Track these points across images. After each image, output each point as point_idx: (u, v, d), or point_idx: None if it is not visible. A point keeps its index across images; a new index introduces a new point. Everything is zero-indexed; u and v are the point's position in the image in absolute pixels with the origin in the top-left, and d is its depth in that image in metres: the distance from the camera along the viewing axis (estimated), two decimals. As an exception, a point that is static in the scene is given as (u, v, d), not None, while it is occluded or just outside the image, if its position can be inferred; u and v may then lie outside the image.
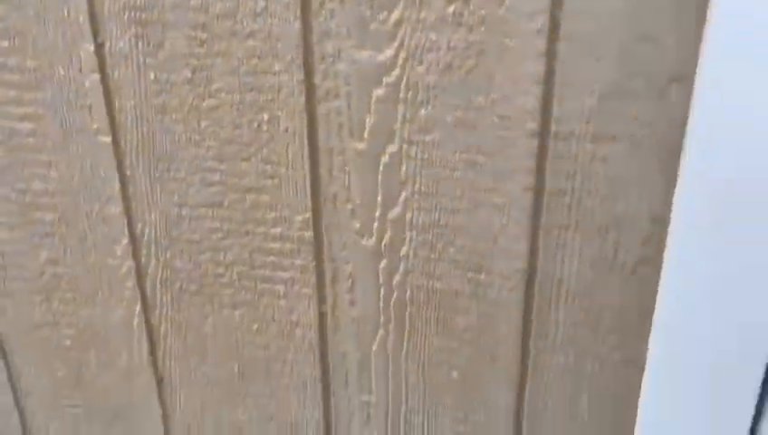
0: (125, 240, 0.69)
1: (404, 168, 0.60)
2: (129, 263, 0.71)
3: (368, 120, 0.59)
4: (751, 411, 0.58)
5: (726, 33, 0.46)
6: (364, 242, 0.65)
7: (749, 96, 0.48)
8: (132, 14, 0.58)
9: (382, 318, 0.68)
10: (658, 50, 0.51)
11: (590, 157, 0.56)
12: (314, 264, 0.67)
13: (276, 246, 0.66)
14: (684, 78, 0.52)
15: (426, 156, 0.59)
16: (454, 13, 0.53)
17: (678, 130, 0.54)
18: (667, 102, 0.53)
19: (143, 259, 0.70)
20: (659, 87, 0.52)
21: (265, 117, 0.61)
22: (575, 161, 0.56)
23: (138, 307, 0.73)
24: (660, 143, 0.54)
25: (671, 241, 0.54)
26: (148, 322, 0.74)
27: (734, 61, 0.47)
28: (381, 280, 0.66)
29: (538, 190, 0.58)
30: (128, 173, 0.66)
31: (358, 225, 0.64)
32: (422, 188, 0.61)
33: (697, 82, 0.50)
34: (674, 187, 0.55)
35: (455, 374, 0.68)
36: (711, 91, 0.48)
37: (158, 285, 0.71)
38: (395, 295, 0.66)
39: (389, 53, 0.56)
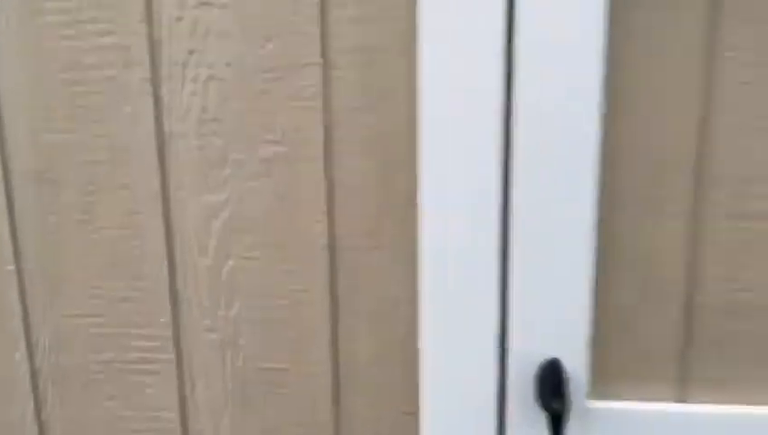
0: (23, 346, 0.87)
1: (240, 276, 0.83)
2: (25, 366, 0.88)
3: (210, 243, 0.82)
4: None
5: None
6: (213, 336, 0.85)
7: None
8: None
9: (229, 397, 0.87)
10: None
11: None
12: (175, 356, 0.86)
13: (143, 343, 0.86)
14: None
15: (254, 267, 0.83)
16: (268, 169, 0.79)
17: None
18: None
19: (37, 363, 0.87)
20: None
21: (137, 242, 0.83)
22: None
23: (31, 405, 0.89)
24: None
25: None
26: (38, 418, 0.89)
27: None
28: (226, 365, 0.86)
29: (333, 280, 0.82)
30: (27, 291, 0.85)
31: (208, 322, 0.85)
32: (253, 291, 0.83)
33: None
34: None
35: (288, 439, 0.87)
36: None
37: (49, 384, 0.88)
38: (238, 378, 0.86)
39: (223, 196, 0.81)
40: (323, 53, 0.75)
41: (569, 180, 0.73)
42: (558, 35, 0.69)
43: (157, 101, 0.78)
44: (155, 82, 0.78)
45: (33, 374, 0.89)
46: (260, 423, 0.87)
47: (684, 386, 0.79)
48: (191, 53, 0.77)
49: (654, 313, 0.77)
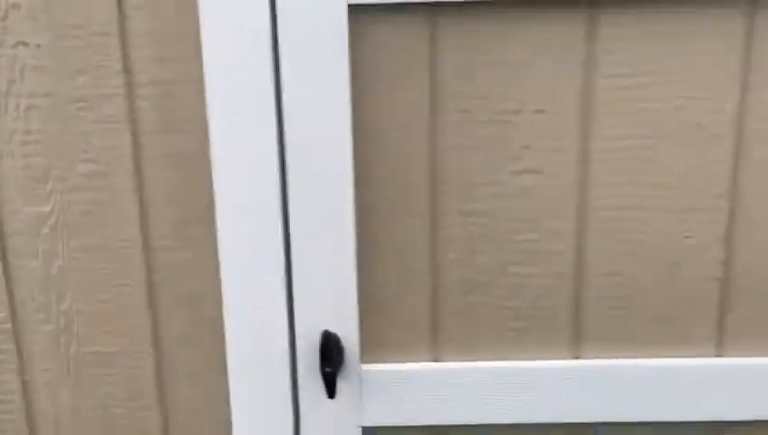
0: None
1: (69, 274, 0.97)
2: None
3: (40, 247, 0.96)
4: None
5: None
6: (48, 327, 0.99)
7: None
8: None
9: (65, 378, 1.01)
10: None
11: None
12: (15, 346, 0.99)
13: (-15, 336, 0.98)
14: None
15: (81, 266, 0.97)
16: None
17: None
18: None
19: None
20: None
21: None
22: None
23: None
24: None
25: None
26: None
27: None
28: (61, 351, 1.00)
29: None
30: None
31: (42, 315, 0.98)
32: (81, 287, 0.97)
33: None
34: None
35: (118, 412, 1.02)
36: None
37: None
38: (72, 361, 1.00)
39: (48, 207, 0.94)
40: (128, 85, 0.90)
41: (333, 194, 0.91)
42: (316, 93, 0.87)
43: (-17, 126, 0.91)
44: (-20, 110, 0.90)
45: None
46: (93, 400, 1.02)
47: (436, 348, 0.99)
48: (11, 82, 0.89)
49: (409, 292, 0.97)
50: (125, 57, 0.89)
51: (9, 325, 0.99)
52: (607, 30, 0.85)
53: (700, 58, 0.86)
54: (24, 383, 1.01)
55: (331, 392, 0.93)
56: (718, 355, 0.98)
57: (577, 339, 0.98)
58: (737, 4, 0.84)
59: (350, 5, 0.85)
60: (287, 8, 0.85)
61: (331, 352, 0.93)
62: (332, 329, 0.97)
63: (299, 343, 0.97)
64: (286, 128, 0.89)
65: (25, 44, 0.88)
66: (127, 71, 0.90)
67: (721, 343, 0.97)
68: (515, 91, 0.88)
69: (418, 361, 1.00)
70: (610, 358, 0.99)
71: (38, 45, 0.89)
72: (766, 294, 0.95)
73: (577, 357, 0.99)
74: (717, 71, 0.86)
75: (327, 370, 0.93)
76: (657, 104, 0.88)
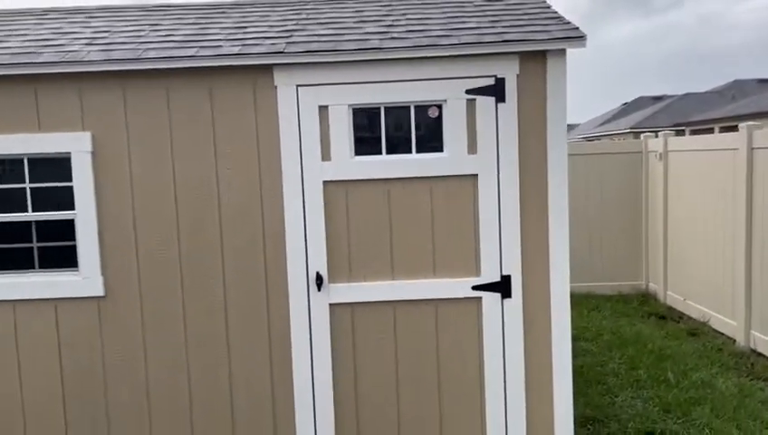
0: None
1: None
2: None
3: None
4: (305, 294, 3.25)
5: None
6: None
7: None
8: None
9: (235, 288, 3.22)
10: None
11: (271, 250, 3.23)
12: None
13: None
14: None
15: None
16: (245, 228, 3.18)
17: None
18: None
19: None
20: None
21: None
22: (269, 251, 3.23)
23: None
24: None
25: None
26: None
27: (288, 233, 3.18)
28: None
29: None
30: None
31: None
32: None
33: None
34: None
35: (251, 299, 3.24)
36: (286, 238, 3.18)
37: None
38: (237, 283, 3.21)
39: None
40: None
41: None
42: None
43: None
44: None
45: None
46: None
47: (351, 276, 3.26)
48: None
49: (336, 251, 3.24)
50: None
51: (218, 271, 3.21)
52: None
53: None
54: (221, 290, 3.23)
55: (319, 289, 3.18)
56: None
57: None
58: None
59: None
60: (303, 177, 3.13)
61: (320, 278, 3.18)
62: (320, 271, 3.21)
63: (309, 275, 3.22)
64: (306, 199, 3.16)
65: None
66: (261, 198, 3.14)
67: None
68: None
69: (342, 282, 3.25)
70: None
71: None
72: (447, 260, 3.27)
73: (393, 281, 3.29)
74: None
75: (318, 282, 3.18)
76: (410, 206, 3.21)
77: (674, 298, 7.01)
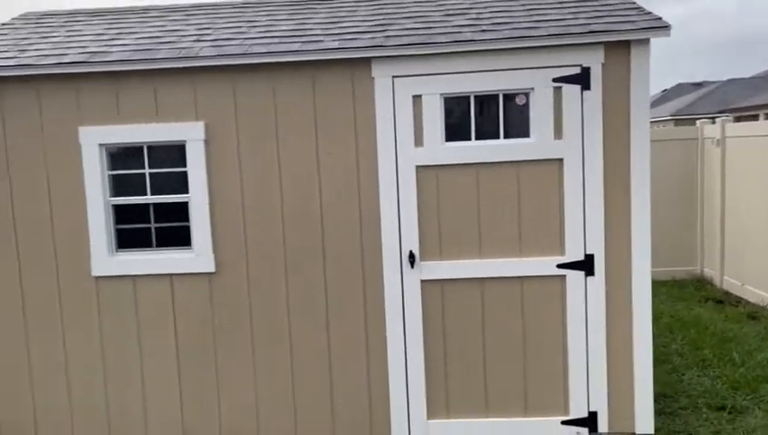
0: None
1: (337, 235, 3.45)
2: None
3: None
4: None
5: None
6: None
7: (387, 219, 3.42)
8: None
9: None
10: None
11: (367, 230, 3.47)
12: None
13: None
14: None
15: None
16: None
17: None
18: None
19: None
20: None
21: None
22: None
23: None
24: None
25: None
26: None
27: (384, 214, 3.42)
28: None
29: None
30: None
31: None
32: None
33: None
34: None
35: None
36: (382, 219, 3.42)
37: None
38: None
39: None
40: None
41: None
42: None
43: None
44: None
45: None
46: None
47: (441, 255, 3.48)
48: None
49: (428, 235, 3.46)
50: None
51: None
52: (484, 171, 3.38)
53: (508, 178, 3.39)
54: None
55: (412, 266, 3.42)
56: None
57: (480, 254, 3.50)
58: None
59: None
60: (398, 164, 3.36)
61: (412, 256, 3.42)
62: (412, 249, 3.44)
63: (402, 253, 3.45)
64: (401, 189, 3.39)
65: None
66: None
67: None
68: None
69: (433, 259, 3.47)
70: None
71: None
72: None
73: (480, 259, 3.51)
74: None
75: (411, 260, 3.41)
76: (498, 189, 3.41)
77: (730, 283, 7.07)
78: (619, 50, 3.30)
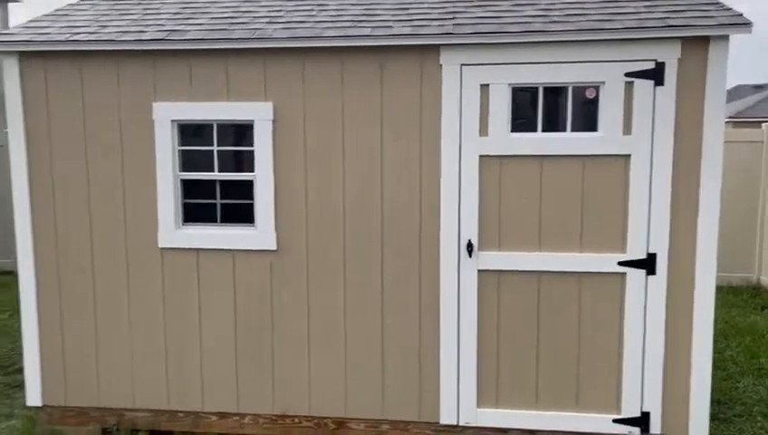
0: None
1: (396, 220, 3.48)
2: None
3: (390, 212, 3.47)
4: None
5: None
6: None
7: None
8: None
9: None
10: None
11: (427, 217, 3.50)
12: (379, 240, 3.50)
13: None
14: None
15: (400, 218, 3.48)
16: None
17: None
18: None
19: None
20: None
21: None
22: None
23: None
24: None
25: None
26: None
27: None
28: None
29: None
30: None
31: None
32: None
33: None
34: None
35: None
36: (442, 206, 3.43)
37: None
38: (394, 245, 3.51)
39: (395, 201, 3.46)
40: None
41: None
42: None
43: None
44: None
45: None
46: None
47: (500, 245, 3.48)
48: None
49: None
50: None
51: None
52: (549, 163, 3.36)
53: (572, 172, 3.35)
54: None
55: (470, 255, 3.42)
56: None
57: (539, 246, 3.48)
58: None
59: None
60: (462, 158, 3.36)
61: (471, 245, 3.42)
62: (471, 239, 3.45)
63: (461, 242, 3.46)
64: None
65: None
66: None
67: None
68: (524, 177, 3.39)
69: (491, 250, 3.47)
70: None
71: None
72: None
73: (539, 252, 3.49)
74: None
75: (469, 249, 3.42)
76: (561, 183, 3.38)
77: (789, 293, 6.84)
78: (697, 46, 3.21)
